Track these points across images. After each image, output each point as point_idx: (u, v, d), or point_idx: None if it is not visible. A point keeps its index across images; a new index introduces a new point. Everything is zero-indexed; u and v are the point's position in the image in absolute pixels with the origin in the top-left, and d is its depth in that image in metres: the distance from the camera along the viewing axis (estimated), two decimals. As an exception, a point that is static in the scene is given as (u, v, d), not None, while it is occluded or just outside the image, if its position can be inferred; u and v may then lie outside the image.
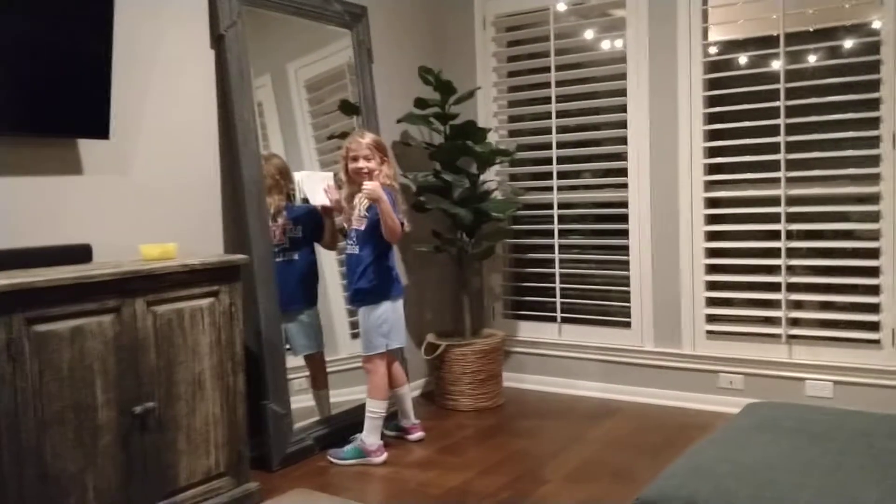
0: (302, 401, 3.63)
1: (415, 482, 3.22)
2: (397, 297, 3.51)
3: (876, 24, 3.53)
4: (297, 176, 3.59)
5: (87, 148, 2.90)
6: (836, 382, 3.70)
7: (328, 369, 3.77)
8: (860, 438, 1.90)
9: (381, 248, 3.45)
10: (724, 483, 1.69)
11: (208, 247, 3.32)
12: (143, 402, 2.57)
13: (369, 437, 3.44)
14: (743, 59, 3.91)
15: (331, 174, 3.70)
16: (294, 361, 3.61)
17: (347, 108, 4.06)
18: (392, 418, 3.75)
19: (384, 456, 3.44)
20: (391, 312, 3.46)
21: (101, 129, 2.84)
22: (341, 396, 3.82)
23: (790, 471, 1.73)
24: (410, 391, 3.81)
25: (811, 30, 3.70)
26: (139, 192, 3.09)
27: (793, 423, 2.03)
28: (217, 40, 3.35)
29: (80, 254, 2.72)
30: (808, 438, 1.92)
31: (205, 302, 2.79)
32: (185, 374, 2.72)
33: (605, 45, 4.32)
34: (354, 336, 3.86)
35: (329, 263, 3.90)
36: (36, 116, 2.67)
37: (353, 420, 3.66)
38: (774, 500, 1.60)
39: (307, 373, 3.72)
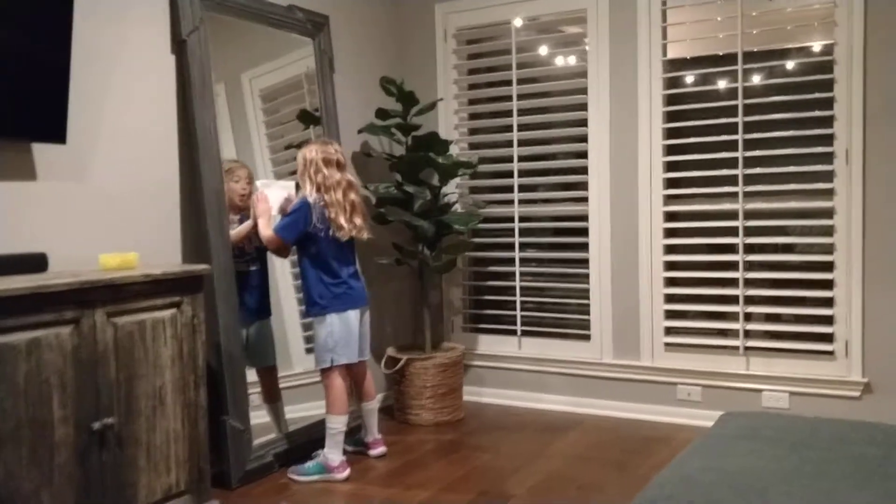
0: (257, 417, 3.53)
1: (379, 499, 3.16)
2: (345, 309, 3.39)
3: (830, 44, 3.63)
4: (259, 184, 3.51)
5: (42, 153, 2.78)
6: (791, 393, 3.77)
7: (283, 384, 3.69)
8: (839, 446, 1.93)
9: (305, 258, 3.39)
10: (715, 492, 1.69)
11: (165, 256, 3.22)
12: (102, 417, 2.47)
13: (331, 452, 3.36)
14: (702, 76, 3.98)
15: (292, 183, 3.63)
16: (249, 377, 3.51)
17: (306, 118, 4.00)
18: (354, 433, 3.68)
19: (347, 472, 3.37)
20: (338, 326, 3.37)
21: (57, 134, 2.73)
22: (300, 412, 3.74)
23: (777, 479, 1.74)
24: (378, 406, 3.73)
25: (768, 49, 3.79)
26: (95, 199, 2.97)
27: (771, 432, 2.05)
28: (179, 45, 3.26)
29: (35, 263, 2.59)
30: (788, 447, 1.94)
31: (167, 313, 2.70)
32: (145, 388, 2.61)
33: (566, 59, 4.36)
34: (308, 350, 3.79)
35: (283, 275, 3.82)
36: (-13, 118, 2.55)
37: (312, 436, 3.58)
38: (766, 508, 1.61)
39: (259, 388, 3.63)
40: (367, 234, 3.49)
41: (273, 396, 3.65)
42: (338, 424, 3.37)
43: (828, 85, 3.62)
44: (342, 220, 3.35)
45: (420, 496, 3.16)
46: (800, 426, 2.10)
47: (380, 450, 3.64)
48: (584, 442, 3.80)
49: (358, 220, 3.42)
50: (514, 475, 3.37)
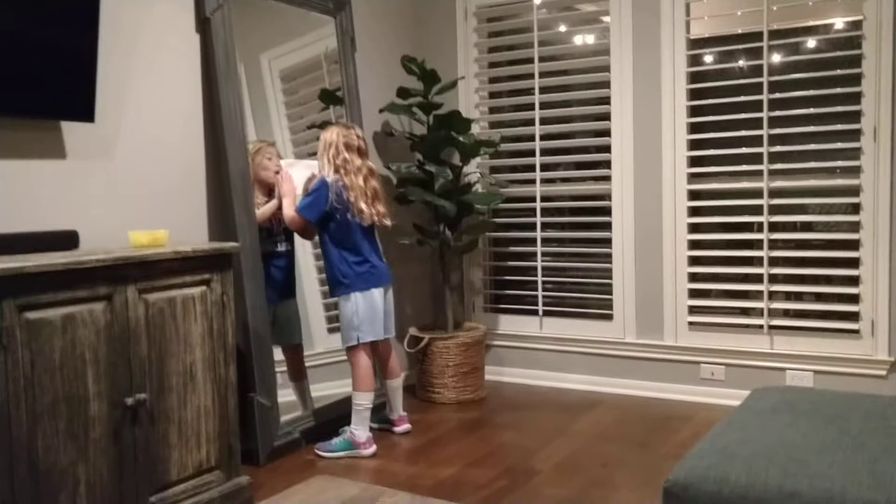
0: (284, 395, 3.55)
1: (405, 475, 3.17)
2: (369, 288, 3.39)
3: (858, 20, 3.59)
4: (283, 164, 3.52)
5: (71, 131, 2.80)
6: (816, 372, 3.76)
7: (306, 363, 3.72)
8: (875, 420, 1.92)
9: (327, 239, 3.39)
10: (753, 463, 1.69)
11: (192, 235, 3.24)
12: (135, 393, 2.48)
13: (357, 429, 3.39)
14: (726, 53, 3.95)
15: (315, 163, 3.63)
16: (275, 355, 3.53)
17: (327, 98, 3.99)
18: (378, 410, 3.70)
19: (373, 448, 3.39)
20: (362, 304, 3.38)
21: (85, 112, 2.74)
22: (325, 390, 3.76)
23: (815, 451, 1.73)
24: (402, 384, 3.74)
25: (794, 26, 3.75)
26: (123, 177, 2.99)
27: (807, 406, 2.05)
28: (203, 24, 3.26)
29: (67, 240, 2.62)
30: (824, 420, 1.93)
31: (196, 290, 2.70)
32: (176, 365, 2.63)
33: (589, 37, 4.33)
34: (331, 330, 3.82)
35: (305, 255, 3.83)
36: (17, 97, 2.55)
37: (338, 413, 3.60)
38: (807, 478, 1.61)
39: (285, 366, 3.65)
40: (390, 220, 3.49)
41: (299, 374, 3.67)
42: (364, 401, 3.39)
43: (856, 61, 3.58)
44: (363, 205, 3.35)
45: (446, 472, 3.18)
46: (835, 401, 2.09)
47: (405, 427, 3.66)
48: (607, 421, 3.80)
49: (380, 207, 3.43)
50: (538, 452, 3.39)
